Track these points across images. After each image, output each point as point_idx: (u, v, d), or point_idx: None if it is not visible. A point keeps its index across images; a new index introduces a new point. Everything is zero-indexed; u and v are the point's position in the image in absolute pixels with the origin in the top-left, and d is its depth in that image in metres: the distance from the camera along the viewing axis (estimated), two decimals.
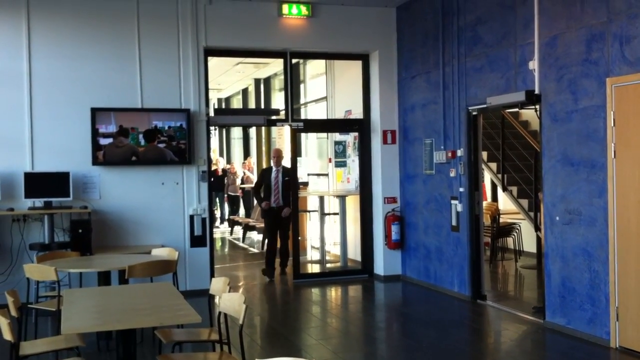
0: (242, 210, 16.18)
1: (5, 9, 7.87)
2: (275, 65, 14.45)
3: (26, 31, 7.92)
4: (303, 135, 13.21)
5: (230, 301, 4.40)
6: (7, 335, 4.05)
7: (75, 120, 8.03)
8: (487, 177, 11.47)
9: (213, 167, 13.86)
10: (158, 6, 8.37)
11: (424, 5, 8.74)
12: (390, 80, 9.38)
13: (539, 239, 9.70)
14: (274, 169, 9.81)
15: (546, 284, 6.64)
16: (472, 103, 7.80)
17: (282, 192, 9.65)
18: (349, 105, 10.49)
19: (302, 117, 13.43)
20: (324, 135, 11.86)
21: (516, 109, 8.78)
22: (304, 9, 8.89)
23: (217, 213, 16.50)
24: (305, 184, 12.65)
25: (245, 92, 18.87)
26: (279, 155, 9.91)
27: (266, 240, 10.31)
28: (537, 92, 6.61)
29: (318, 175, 12.57)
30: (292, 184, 9.69)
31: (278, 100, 16.13)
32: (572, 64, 6.21)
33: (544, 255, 6.68)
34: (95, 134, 8.01)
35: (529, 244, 10.59)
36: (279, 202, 9.66)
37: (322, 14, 9.04)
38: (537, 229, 9.60)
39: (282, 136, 15.01)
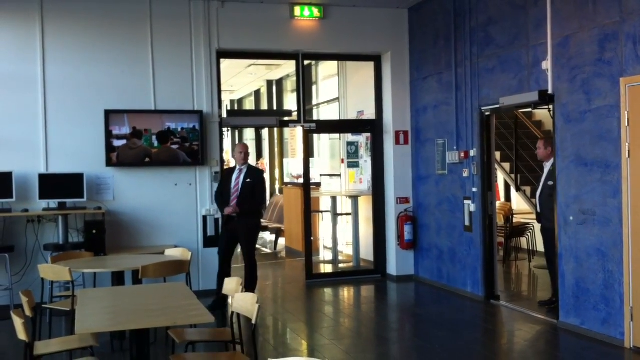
0: None
1: (19, 14, 7.94)
2: (288, 67, 14.46)
3: (40, 35, 7.98)
4: (315, 136, 13.21)
5: (243, 301, 4.42)
6: (22, 335, 4.08)
7: (89, 122, 8.08)
8: (501, 177, 11.44)
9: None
10: (171, 9, 8.42)
11: (435, 6, 8.73)
12: (403, 81, 9.37)
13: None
14: (237, 167, 7.81)
15: (560, 284, 6.60)
16: (484, 103, 7.78)
17: (240, 198, 7.60)
18: (361, 106, 10.49)
19: (315, 118, 13.45)
20: (337, 136, 11.86)
21: (529, 109, 8.74)
22: (315, 11, 8.90)
23: None
24: (318, 185, 12.67)
25: (257, 93, 18.90)
26: (245, 151, 7.80)
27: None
28: (550, 92, 6.58)
29: (330, 175, 12.58)
30: (258, 189, 7.76)
31: (290, 102, 16.15)
32: (585, 64, 6.18)
33: (557, 256, 6.65)
34: (108, 135, 8.07)
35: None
36: (236, 210, 7.62)
37: (333, 16, 9.05)
38: None
39: (294, 137, 15.06)
